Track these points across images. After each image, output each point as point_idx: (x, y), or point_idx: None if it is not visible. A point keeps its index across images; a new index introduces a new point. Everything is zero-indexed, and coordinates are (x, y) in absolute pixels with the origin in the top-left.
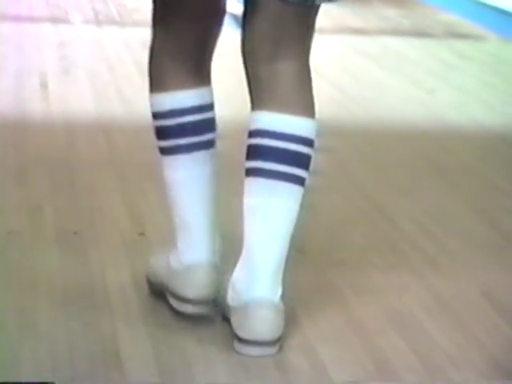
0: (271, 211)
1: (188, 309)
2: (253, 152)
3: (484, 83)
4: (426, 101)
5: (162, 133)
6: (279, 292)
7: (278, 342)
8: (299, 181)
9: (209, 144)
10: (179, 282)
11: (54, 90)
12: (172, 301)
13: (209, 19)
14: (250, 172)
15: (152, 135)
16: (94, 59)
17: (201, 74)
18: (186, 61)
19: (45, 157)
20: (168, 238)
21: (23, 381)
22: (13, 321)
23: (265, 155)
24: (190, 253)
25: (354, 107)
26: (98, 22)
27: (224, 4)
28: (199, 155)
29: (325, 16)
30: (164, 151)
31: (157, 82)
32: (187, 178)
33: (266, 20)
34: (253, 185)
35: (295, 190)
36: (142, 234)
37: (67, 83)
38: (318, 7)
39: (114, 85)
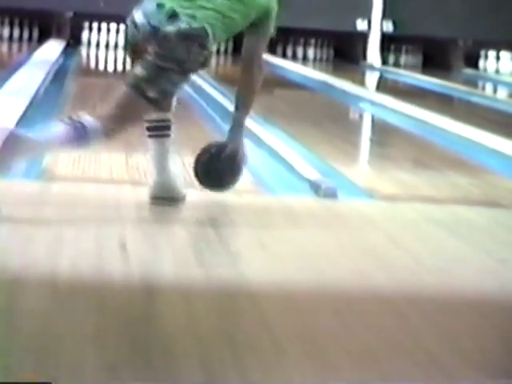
0: None
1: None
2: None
3: None
4: (497, 271)
5: (150, 129)
6: None
7: None
8: None
9: (169, 135)
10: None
11: (133, 252)
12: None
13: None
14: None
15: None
16: (172, 221)
17: (168, 107)
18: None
19: (124, 319)
20: None
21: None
22: None
23: None
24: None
25: (426, 274)
26: None
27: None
28: (164, 140)
29: (398, 184)
30: (150, 136)
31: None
32: (159, 148)
33: None
34: None
35: None
36: None
37: (146, 245)
38: None
39: (192, 247)
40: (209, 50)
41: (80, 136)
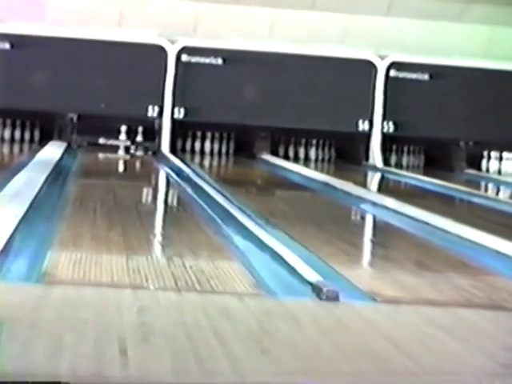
0: None
1: None
2: None
3: None
4: (501, 376)
5: None
6: None
7: None
8: None
9: None
10: None
11: (132, 357)
12: None
13: None
14: None
15: None
16: (172, 326)
17: None
18: None
19: None
20: None
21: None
22: None
23: None
24: None
25: (428, 379)
26: (176, 289)
27: None
28: None
29: (400, 287)
30: None
31: None
32: None
33: None
34: None
35: None
36: None
37: (146, 350)
38: None
39: (193, 352)
40: None
41: None
